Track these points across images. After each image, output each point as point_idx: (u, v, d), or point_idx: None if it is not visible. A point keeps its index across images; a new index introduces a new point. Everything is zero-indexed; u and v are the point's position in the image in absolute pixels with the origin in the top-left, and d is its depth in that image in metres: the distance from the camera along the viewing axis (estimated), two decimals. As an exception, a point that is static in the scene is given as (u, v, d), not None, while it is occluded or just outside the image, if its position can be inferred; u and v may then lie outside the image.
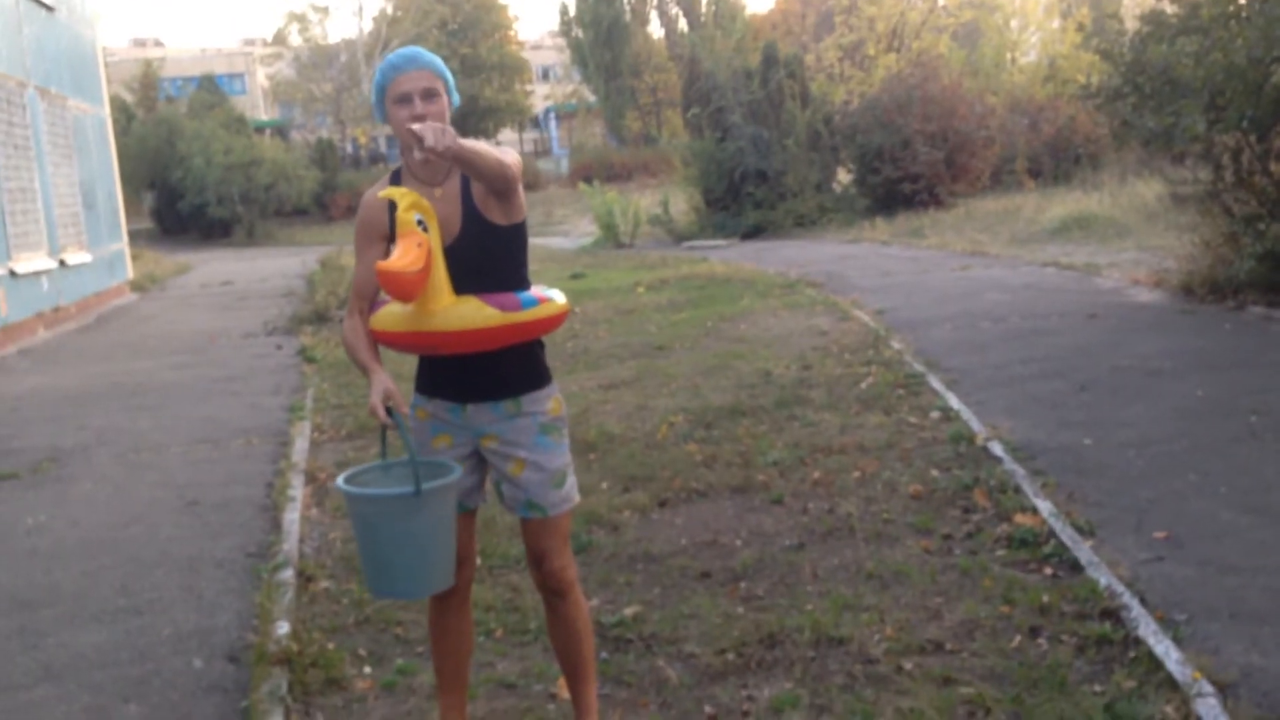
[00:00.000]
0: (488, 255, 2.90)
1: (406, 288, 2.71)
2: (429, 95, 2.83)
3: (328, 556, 4.96)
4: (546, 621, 3.18)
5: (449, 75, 2.91)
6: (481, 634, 4.00)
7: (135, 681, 3.76)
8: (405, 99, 2.83)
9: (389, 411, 2.81)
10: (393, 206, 2.85)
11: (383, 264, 2.68)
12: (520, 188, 2.92)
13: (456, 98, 2.94)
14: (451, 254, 2.84)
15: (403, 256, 2.70)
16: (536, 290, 2.92)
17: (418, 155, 2.59)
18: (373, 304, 2.99)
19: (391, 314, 2.88)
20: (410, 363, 3.07)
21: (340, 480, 2.84)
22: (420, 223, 2.75)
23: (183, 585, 4.66)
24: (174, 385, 9.48)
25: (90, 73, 18.29)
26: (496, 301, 2.83)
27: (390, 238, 2.93)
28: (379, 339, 2.96)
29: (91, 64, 18.51)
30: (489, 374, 2.91)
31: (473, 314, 2.80)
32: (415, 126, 2.55)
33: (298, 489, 5.91)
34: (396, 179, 2.97)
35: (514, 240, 2.94)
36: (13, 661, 3.99)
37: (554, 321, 2.95)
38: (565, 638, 3.12)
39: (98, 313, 15.95)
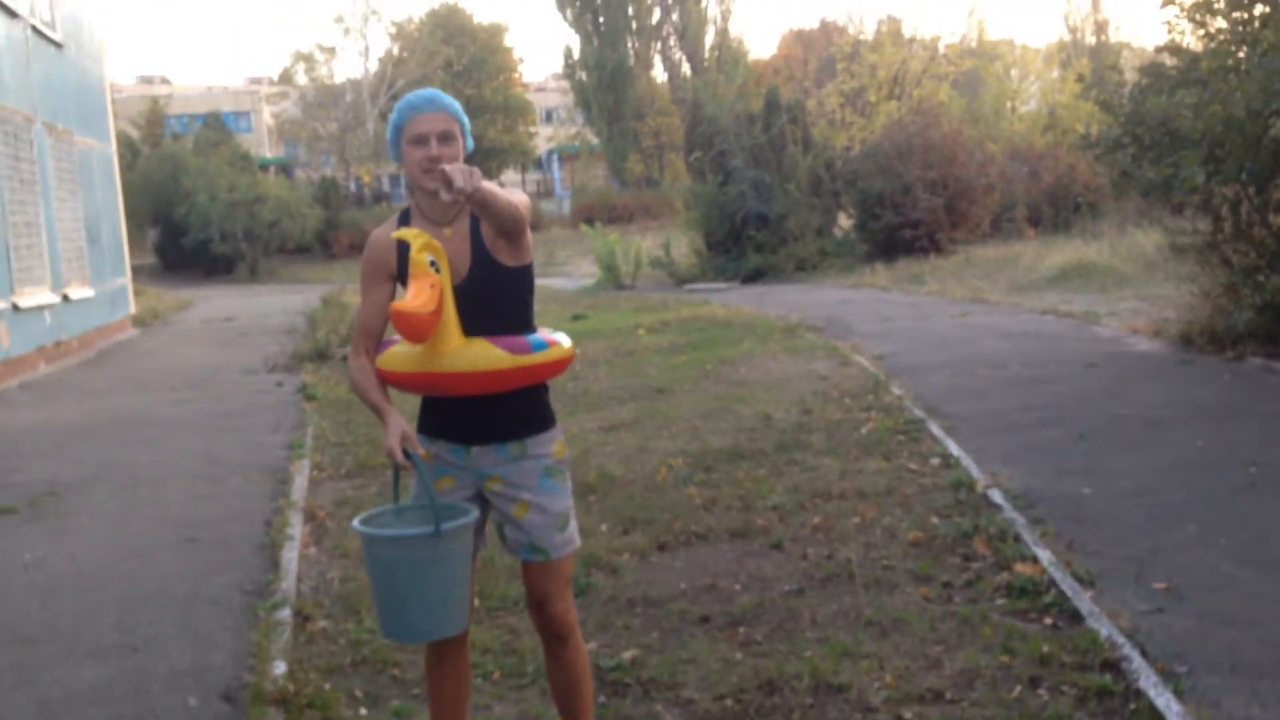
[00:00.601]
0: (496, 296, 2.91)
1: (420, 329, 2.74)
2: (445, 138, 2.86)
3: (325, 596, 4.95)
4: (545, 665, 3.17)
5: (466, 120, 2.93)
6: (479, 676, 3.99)
7: (130, 719, 3.74)
8: (422, 140, 2.85)
9: (406, 454, 2.82)
10: (404, 247, 2.87)
11: (397, 305, 2.71)
12: (529, 229, 2.95)
13: (471, 142, 2.97)
14: (460, 294, 2.86)
15: (416, 297, 2.73)
16: (544, 333, 2.95)
17: (445, 196, 2.60)
18: (378, 343, 3.01)
19: (400, 354, 2.89)
20: (412, 402, 3.08)
21: (356, 522, 2.83)
22: (433, 264, 2.78)
23: (179, 622, 4.64)
24: (174, 421, 9.48)
25: (97, 109, 18.43)
26: (506, 344, 2.84)
27: (398, 278, 2.95)
28: (386, 379, 2.96)
29: (98, 100, 18.65)
30: (495, 416, 2.92)
31: (483, 356, 2.82)
32: (445, 167, 2.58)
33: (296, 527, 5.90)
34: (405, 219, 2.99)
35: (522, 281, 2.96)
36: (8, 698, 3.96)
37: (561, 365, 2.97)
38: (565, 682, 3.11)
39: (99, 347, 15.96)
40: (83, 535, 6.04)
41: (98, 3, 18.84)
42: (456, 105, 2.91)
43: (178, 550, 5.67)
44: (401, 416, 2.87)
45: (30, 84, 14.47)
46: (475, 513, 2.86)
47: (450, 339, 2.81)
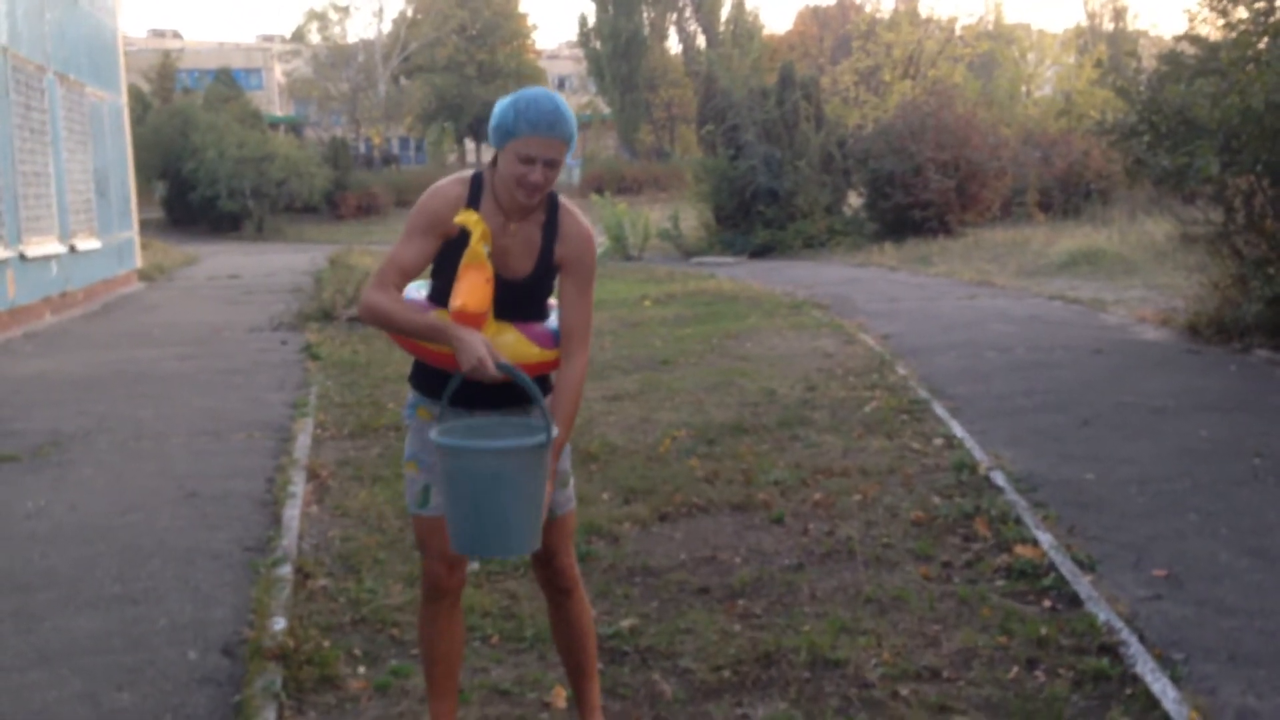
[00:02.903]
0: (543, 292, 3.00)
1: (476, 325, 2.80)
2: (552, 164, 2.81)
3: (326, 554, 4.96)
4: (551, 622, 3.21)
5: (575, 136, 2.87)
6: (477, 639, 4.00)
7: (128, 670, 3.76)
8: (528, 160, 2.79)
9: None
10: (464, 231, 2.85)
11: (463, 305, 2.77)
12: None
13: (573, 148, 2.93)
14: (512, 288, 2.90)
15: (472, 294, 2.77)
16: (553, 321, 3.02)
17: None
18: (400, 290, 2.96)
19: None
20: (398, 360, 3.06)
21: (447, 439, 2.74)
22: (489, 254, 2.82)
23: (179, 576, 4.66)
24: (177, 375, 9.48)
25: (109, 61, 18.34)
26: (533, 335, 2.93)
27: (453, 239, 2.90)
28: (411, 350, 2.97)
29: (111, 52, 18.56)
30: (500, 388, 2.93)
31: (517, 348, 2.89)
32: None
33: (298, 485, 5.90)
34: (477, 187, 2.93)
35: (554, 278, 3.04)
36: (6, 644, 3.98)
37: None
38: (570, 636, 3.17)
39: (104, 300, 15.96)
40: (84, 486, 6.06)
41: (112, -47, 18.74)
42: (572, 126, 2.82)
43: (179, 504, 5.68)
44: (473, 330, 2.80)
45: (44, 33, 14.40)
46: (553, 430, 2.80)
47: (485, 326, 2.86)
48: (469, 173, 2.98)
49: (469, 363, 2.71)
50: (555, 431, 2.79)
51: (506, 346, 2.87)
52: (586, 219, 3.02)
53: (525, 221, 2.93)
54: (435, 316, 2.84)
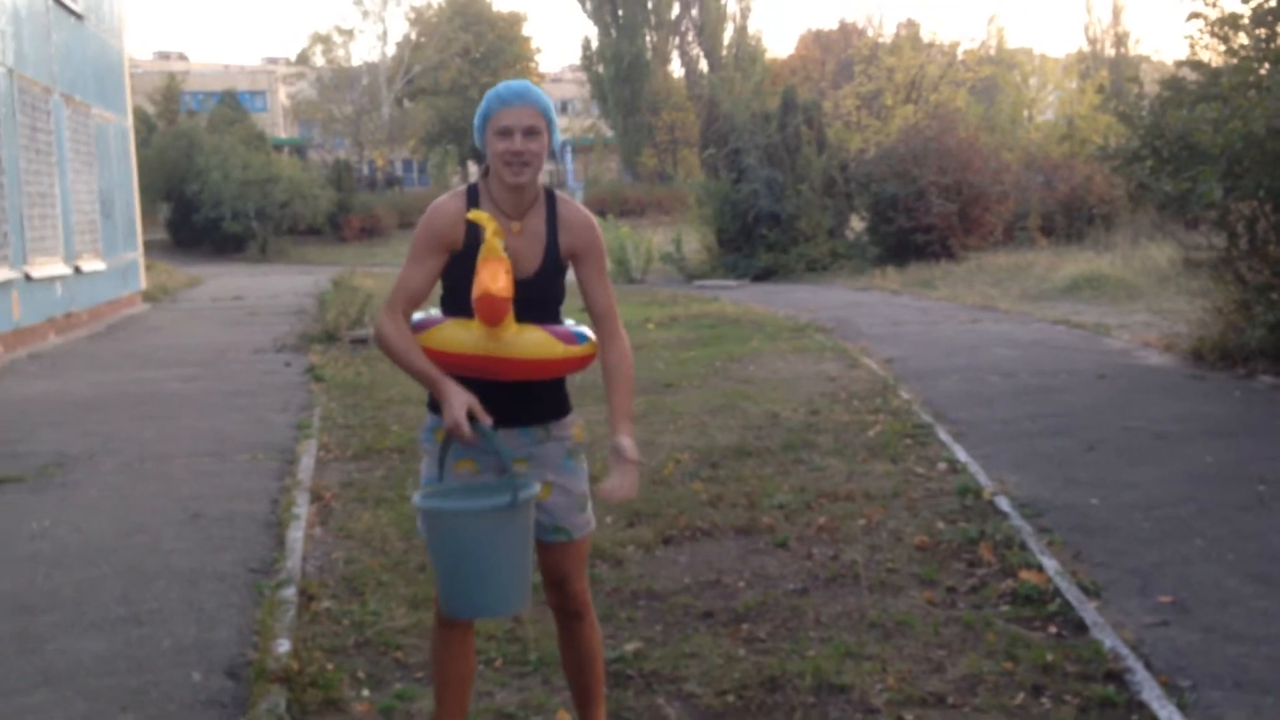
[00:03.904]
0: (552, 291, 3.00)
1: (502, 312, 2.82)
2: (530, 132, 2.87)
3: (330, 576, 4.95)
4: (560, 645, 3.21)
5: (553, 114, 2.94)
6: (481, 662, 3.99)
7: (133, 691, 3.75)
8: (506, 132, 2.86)
9: (472, 423, 2.81)
10: (476, 228, 2.88)
11: (487, 289, 2.77)
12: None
13: (559, 136, 2.97)
14: (521, 287, 2.90)
15: (494, 279, 2.79)
16: (572, 324, 3.02)
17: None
18: (408, 314, 2.98)
19: (452, 335, 2.91)
20: (401, 381, 3.06)
21: (421, 500, 2.84)
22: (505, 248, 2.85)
23: (183, 597, 4.65)
24: (181, 397, 9.49)
25: (115, 82, 18.43)
26: (557, 334, 2.93)
27: (459, 252, 2.93)
28: (432, 357, 2.94)
29: (117, 74, 18.66)
30: (523, 402, 2.96)
31: (543, 344, 2.90)
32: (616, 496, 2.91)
33: (303, 507, 5.90)
34: (473, 196, 2.98)
35: (564, 277, 3.05)
36: (11, 666, 3.97)
37: (596, 358, 3.06)
38: (580, 660, 3.17)
39: (109, 321, 15.99)
40: (88, 507, 6.06)
41: (119, -24, 18.85)
42: (545, 99, 2.91)
43: (183, 526, 5.68)
44: (461, 387, 2.85)
45: (50, 55, 14.48)
46: (535, 487, 2.87)
47: (508, 324, 2.87)
48: (463, 187, 3.02)
49: (449, 421, 2.79)
50: (531, 491, 2.81)
51: (533, 343, 2.88)
52: (585, 208, 3.05)
53: (527, 218, 2.96)
54: (429, 365, 2.88)
